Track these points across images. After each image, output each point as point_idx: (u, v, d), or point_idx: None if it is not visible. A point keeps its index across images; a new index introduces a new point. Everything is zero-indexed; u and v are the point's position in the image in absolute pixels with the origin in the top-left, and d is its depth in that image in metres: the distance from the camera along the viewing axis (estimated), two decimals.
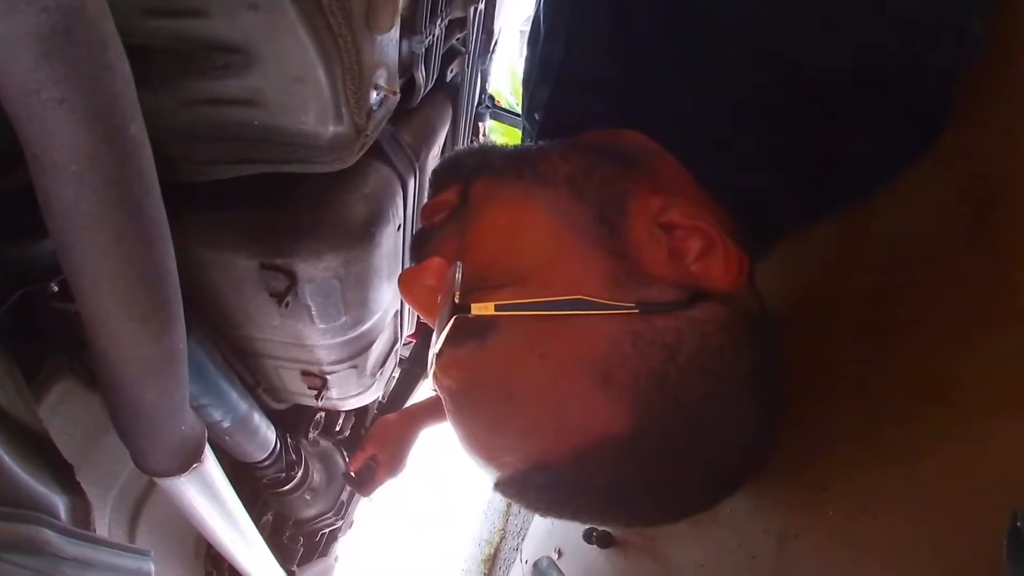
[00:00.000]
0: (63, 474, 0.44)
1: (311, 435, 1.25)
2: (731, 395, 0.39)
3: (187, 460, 0.53)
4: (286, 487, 1.16)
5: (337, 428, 1.33)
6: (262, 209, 0.71)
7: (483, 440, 0.43)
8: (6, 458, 0.37)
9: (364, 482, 0.92)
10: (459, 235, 0.45)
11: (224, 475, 0.64)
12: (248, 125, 0.60)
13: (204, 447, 0.55)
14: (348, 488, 1.44)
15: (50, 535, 0.37)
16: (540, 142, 0.53)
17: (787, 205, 0.47)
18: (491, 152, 0.50)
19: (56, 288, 0.57)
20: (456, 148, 0.54)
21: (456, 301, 0.39)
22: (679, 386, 0.37)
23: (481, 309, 0.39)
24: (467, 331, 0.39)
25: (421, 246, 0.49)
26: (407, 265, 0.91)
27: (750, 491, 0.49)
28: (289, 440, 1.15)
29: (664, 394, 0.37)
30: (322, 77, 0.54)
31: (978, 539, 0.31)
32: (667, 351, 0.37)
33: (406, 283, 0.46)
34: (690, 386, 0.37)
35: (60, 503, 0.40)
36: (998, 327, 0.35)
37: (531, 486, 0.41)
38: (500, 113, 1.34)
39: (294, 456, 1.15)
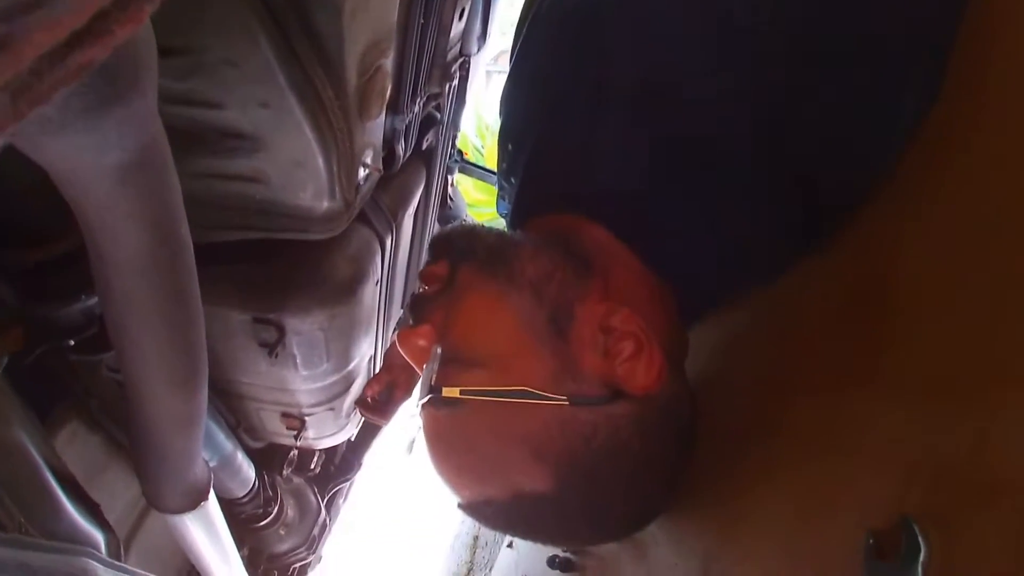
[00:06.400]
0: (95, 512, 0.51)
1: (285, 472, 1.30)
2: (634, 474, 0.51)
3: (196, 500, 0.60)
4: (263, 523, 1.21)
5: (312, 466, 1.39)
6: (256, 267, 0.79)
7: (449, 475, 0.55)
8: (64, 499, 0.44)
9: (381, 408, 0.91)
10: (445, 309, 0.55)
11: (221, 512, 0.70)
12: (249, 198, 0.67)
13: (210, 488, 0.62)
14: (318, 524, 1.49)
15: (98, 567, 0.44)
16: (514, 233, 0.63)
17: (718, 285, 0.58)
18: (476, 239, 0.60)
19: (72, 343, 0.64)
20: (450, 226, 0.65)
21: (432, 383, 0.51)
22: (590, 466, 0.49)
23: (450, 392, 0.50)
24: (442, 401, 0.51)
25: (416, 310, 0.59)
26: (384, 315, 1.00)
27: (684, 519, 0.59)
28: (266, 477, 1.20)
29: (576, 471, 0.49)
30: (320, 163, 0.62)
31: (845, 550, 0.40)
32: (583, 438, 0.49)
33: (404, 340, 0.57)
34: (599, 467, 0.49)
35: (101, 538, 0.47)
36: (868, 389, 0.45)
37: (482, 513, 0.55)
38: (468, 167, 1.43)
39: (271, 493, 1.21)
